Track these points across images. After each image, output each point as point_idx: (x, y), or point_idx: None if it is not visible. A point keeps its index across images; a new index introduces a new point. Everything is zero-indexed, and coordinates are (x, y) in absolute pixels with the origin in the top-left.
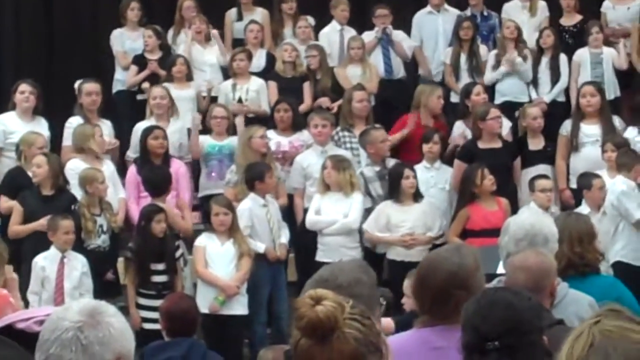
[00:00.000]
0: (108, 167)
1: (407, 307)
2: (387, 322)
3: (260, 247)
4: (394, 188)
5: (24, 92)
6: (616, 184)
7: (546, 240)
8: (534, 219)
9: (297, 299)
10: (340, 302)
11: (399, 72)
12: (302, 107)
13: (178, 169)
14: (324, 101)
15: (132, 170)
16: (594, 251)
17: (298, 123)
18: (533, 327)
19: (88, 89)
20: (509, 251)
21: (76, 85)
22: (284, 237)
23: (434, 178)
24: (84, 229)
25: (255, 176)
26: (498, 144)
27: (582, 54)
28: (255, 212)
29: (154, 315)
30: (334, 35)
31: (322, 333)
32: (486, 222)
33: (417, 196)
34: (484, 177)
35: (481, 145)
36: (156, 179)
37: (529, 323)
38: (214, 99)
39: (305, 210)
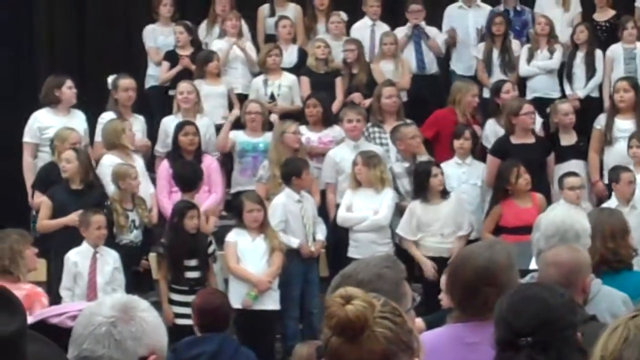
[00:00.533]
0: (138, 163)
1: (444, 303)
2: (417, 322)
3: (294, 242)
4: (421, 186)
5: (71, 88)
6: None
7: (577, 236)
8: (564, 215)
9: (328, 297)
10: (370, 301)
11: (432, 67)
12: (335, 103)
13: (210, 164)
14: (356, 97)
15: (164, 165)
16: (627, 247)
17: (328, 119)
18: (566, 323)
19: (124, 85)
20: (539, 248)
21: (110, 80)
22: (321, 233)
23: (465, 174)
24: (116, 224)
25: (292, 171)
26: (531, 140)
27: (616, 50)
28: (290, 207)
29: (187, 310)
30: (365, 30)
31: (352, 332)
32: (518, 220)
33: (445, 193)
34: (520, 175)
35: (514, 140)
36: (187, 175)
37: (563, 319)
38: (244, 96)
39: (338, 206)
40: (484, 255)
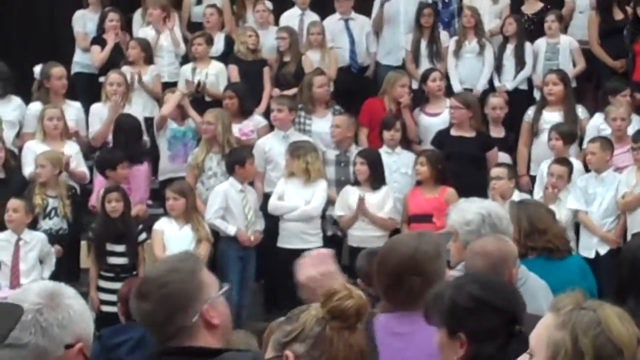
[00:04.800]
0: (71, 148)
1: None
2: None
3: (231, 229)
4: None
5: None
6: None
7: (494, 225)
8: (479, 205)
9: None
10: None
11: (364, 58)
12: (264, 93)
13: (140, 169)
14: (275, 92)
15: None
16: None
17: (246, 109)
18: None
19: (57, 73)
20: (463, 238)
21: (37, 69)
22: (259, 225)
23: (396, 163)
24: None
25: (236, 161)
26: (471, 134)
27: (540, 44)
28: (232, 195)
29: (112, 297)
30: (293, 20)
31: (354, 321)
32: (418, 208)
33: (376, 182)
34: (421, 164)
35: (454, 132)
36: (101, 157)
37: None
38: (173, 84)
39: (266, 195)
40: (411, 245)
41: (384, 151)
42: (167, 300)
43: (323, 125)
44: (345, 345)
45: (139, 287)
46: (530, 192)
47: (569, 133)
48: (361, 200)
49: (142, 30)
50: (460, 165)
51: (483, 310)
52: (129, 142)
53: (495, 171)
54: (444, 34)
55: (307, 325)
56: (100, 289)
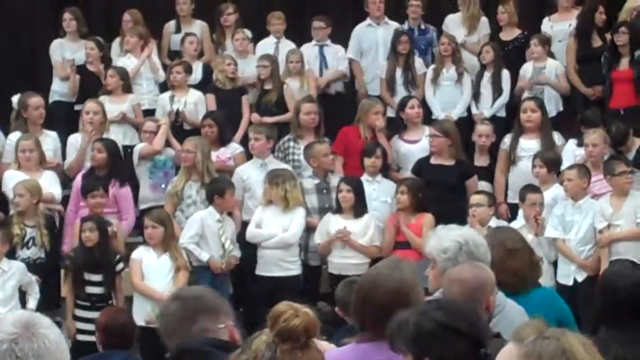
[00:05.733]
0: (48, 178)
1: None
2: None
3: (204, 256)
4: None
5: None
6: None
7: (471, 254)
8: (457, 232)
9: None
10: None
11: (337, 85)
12: (242, 122)
13: (121, 191)
14: (255, 117)
15: (77, 180)
16: (531, 264)
17: (225, 137)
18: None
19: (35, 103)
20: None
21: (15, 99)
22: (236, 253)
23: (376, 191)
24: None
25: (216, 191)
26: (450, 162)
27: (527, 68)
28: (208, 224)
29: (88, 327)
30: (270, 48)
31: (304, 340)
32: (398, 235)
33: (359, 210)
34: (402, 193)
35: (433, 161)
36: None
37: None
38: (152, 111)
39: (244, 222)
40: (394, 277)
41: (364, 179)
42: (196, 302)
43: None
44: None
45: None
46: (509, 220)
47: (553, 160)
48: (346, 233)
49: (121, 60)
50: (439, 193)
51: (448, 336)
52: (115, 164)
53: (475, 198)
54: (419, 61)
55: (259, 352)
56: (76, 318)
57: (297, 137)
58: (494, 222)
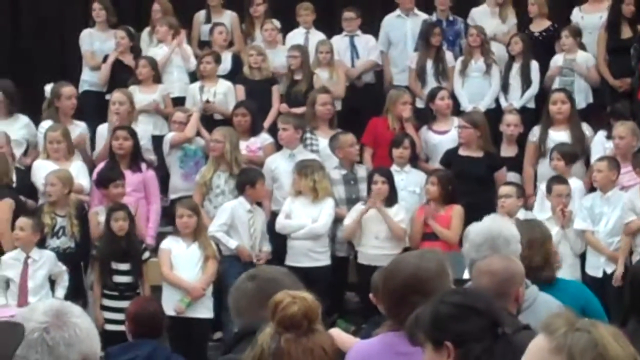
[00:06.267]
0: (77, 167)
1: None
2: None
3: (232, 243)
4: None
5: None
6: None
7: (507, 243)
8: (491, 223)
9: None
10: (313, 301)
11: (368, 76)
12: (272, 111)
13: (147, 175)
14: (283, 107)
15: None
16: (544, 256)
17: (257, 127)
18: None
19: (67, 93)
20: (471, 258)
21: (48, 88)
22: (267, 246)
23: (404, 181)
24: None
25: (247, 181)
26: (479, 154)
27: (557, 59)
28: (239, 214)
29: (116, 316)
30: (299, 38)
31: (306, 326)
32: (426, 226)
33: (390, 200)
34: (432, 184)
35: (462, 152)
36: (101, 173)
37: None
38: (181, 100)
39: (273, 213)
40: (413, 263)
41: (393, 169)
42: (271, 283)
43: (325, 144)
44: (305, 351)
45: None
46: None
47: (571, 153)
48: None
49: (152, 50)
50: (467, 185)
51: (466, 314)
52: (138, 150)
53: (503, 189)
54: (448, 53)
55: (265, 345)
56: (104, 308)
57: (313, 129)
58: (522, 214)
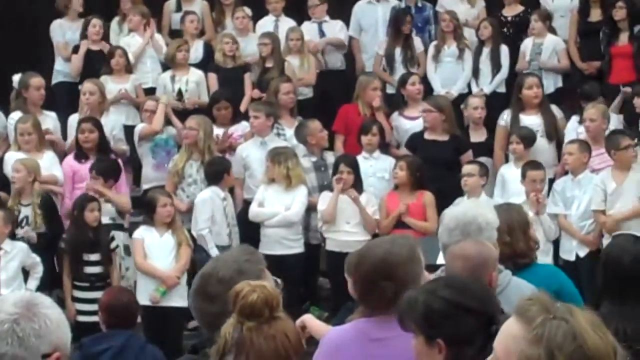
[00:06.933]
0: (48, 159)
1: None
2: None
3: (214, 252)
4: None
5: None
6: None
7: (480, 229)
8: (466, 209)
9: (191, 299)
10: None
11: (336, 62)
12: (244, 99)
13: None
14: (255, 93)
15: (66, 161)
16: (526, 241)
17: (236, 115)
18: None
19: (36, 83)
20: (443, 242)
21: (16, 79)
22: (235, 236)
23: (372, 167)
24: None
25: (222, 169)
26: (444, 137)
27: (527, 44)
28: (216, 203)
29: (87, 307)
30: (269, 26)
31: (267, 314)
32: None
33: (357, 189)
34: (400, 169)
35: (427, 136)
36: (106, 166)
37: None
38: (152, 91)
39: (245, 201)
40: (383, 248)
41: (361, 156)
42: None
43: (291, 133)
44: (267, 338)
45: (205, 286)
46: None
47: (529, 136)
48: (355, 199)
49: (125, 39)
50: (435, 169)
51: (459, 314)
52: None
53: (466, 168)
54: (416, 40)
55: (228, 335)
56: (75, 299)
57: (278, 117)
58: (484, 196)
